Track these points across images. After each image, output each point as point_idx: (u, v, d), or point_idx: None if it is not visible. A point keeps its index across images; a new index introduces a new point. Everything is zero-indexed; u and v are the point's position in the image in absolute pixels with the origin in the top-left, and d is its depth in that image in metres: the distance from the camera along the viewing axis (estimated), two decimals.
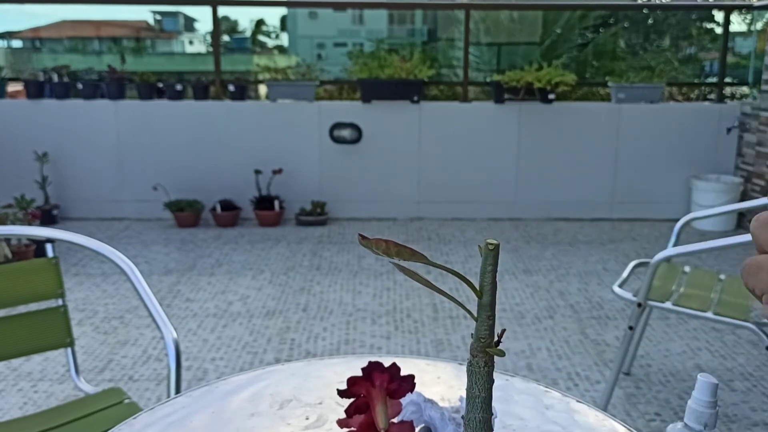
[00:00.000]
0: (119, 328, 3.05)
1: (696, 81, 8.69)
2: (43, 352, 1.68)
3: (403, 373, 0.68)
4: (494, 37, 8.38)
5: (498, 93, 4.92)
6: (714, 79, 6.78)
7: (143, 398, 2.43)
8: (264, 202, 4.81)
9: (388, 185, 5.02)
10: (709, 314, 2.17)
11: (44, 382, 2.55)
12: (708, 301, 2.27)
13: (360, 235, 0.50)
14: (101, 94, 4.96)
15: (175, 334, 1.47)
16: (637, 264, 2.63)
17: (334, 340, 2.95)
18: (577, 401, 0.95)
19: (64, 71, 5.15)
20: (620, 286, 2.37)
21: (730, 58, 7.59)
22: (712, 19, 9.46)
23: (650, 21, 9.11)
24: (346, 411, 0.68)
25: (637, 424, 2.30)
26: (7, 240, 3.64)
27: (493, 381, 0.53)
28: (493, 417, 0.54)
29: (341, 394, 0.67)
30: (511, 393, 0.97)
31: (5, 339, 1.53)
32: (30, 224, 4.03)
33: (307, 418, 0.90)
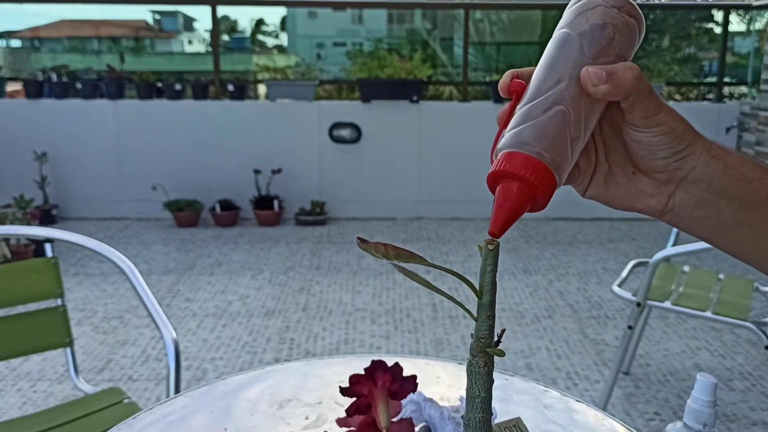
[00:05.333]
0: (118, 327, 3.05)
1: (695, 80, 8.69)
2: (43, 351, 1.68)
3: (403, 373, 0.68)
4: (494, 36, 8.38)
5: (497, 92, 4.92)
6: (713, 79, 6.79)
7: (142, 398, 2.43)
8: (263, 202, 4.81)
9: (388, 185, 5.02)
10: (708, 314, 2.17)
11: (43, 381, 2.55)
12: (707, 301, 2.27)
13: (359, 238, 0.50)
14: (100, 94, 4.96)
15: (174, 334, 1.47)
16: (637, 264, 2.64)
17: (333, 339, 2.95)
18: (577, 401, 0.95)
19: (63, 71, 5.15)
20: (619, 285, 2.37)
21: (729, 58, 7.60)
22: (711, 19, 9.47)
23: (650, 21, 9.11)
24: (347, 410, 0.68)
25: (637, 423, 2.30)
26: (6, 240, 3.63)
27: (492, 381, 0.53)
28: (492, 417, 0.54)
29: (343, 392, 0.67)
30: (510, 392, 0.97)
31: (4, 339, 1.53)
32: (29, 224, 4.03)
33: (306, 418, 0.90)
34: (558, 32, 0.53)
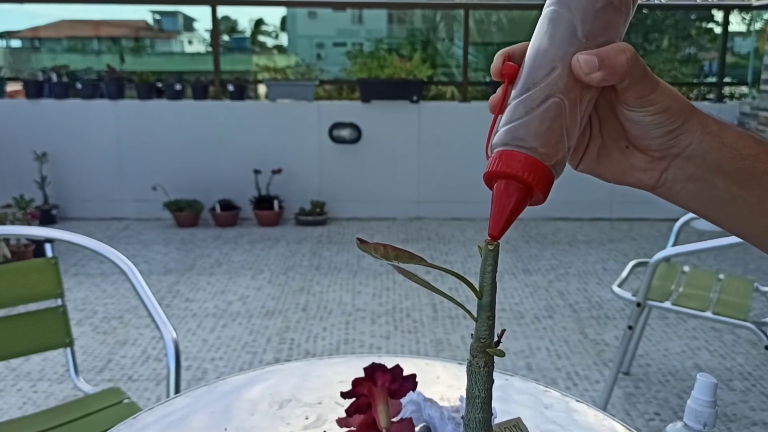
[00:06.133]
0: (118, 328, 3.05)
1: (695, 81, 8.69)
2: (43, 352, 1.68)
3: (403, 373, 0.68)
4: (493, 36, 8.38)
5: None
6: (713, 79, 6.79)
7: (143, 398, 2.43)
8: (263, 202, 4.81)
9: (388, 185, 5.02)
10: (708, 314, 2.17)
11: (43, 382, 2.55)
12: (707, 301, 2.27)
13: (358, 239, 0.50)
14: (100, 94, 4.96)
15: (174, 334, 1.47)
16: (637, 264, 2.64)
17: (333, 339, 2.95)
18: (577, 401, 0.95)
19: (63, 71, 5.14)
20: (619, 285, 2.37)
21: (730, 58, 7.60)
22: (711, 19, 9.47)
23: (650, 21, 9.12)
24: (347, 411, 0.68)
25: (637, 423, 2.30)
26: (6, 240, 3.63)
27: (492, 381, 0.53)
28: (492, 417, 0.54)
29: (345, 395, 0.67)
30: (510, 393, 0.97)
31: (4, 339, 1.53)
32: (29, 224, 4.03)
33: (306, 418, 0.90)
34: (547, 9, 0.50)
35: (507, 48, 0.52)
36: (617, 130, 0.53)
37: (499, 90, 0.51)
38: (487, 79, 6.10)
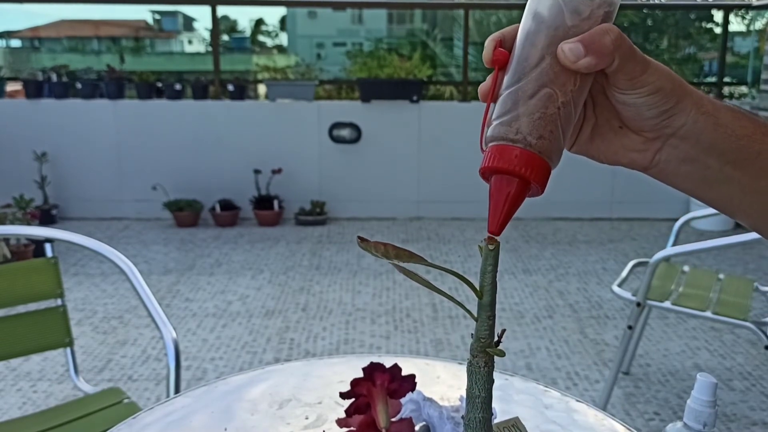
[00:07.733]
0: (118, 327, 3.05)
1: (695, 81, 8.70)
2: (43, 351, 1.68)
3: (403, 373, 0.68)
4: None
5: None
6: (713, 79, 6.79)
7: (142, 398, 2.43)
8: (263, 202, 4.81)
9: (388, 185, 5.02)
10: (708, 314, 2.17)
11: (43, 382, 2.55)
12: (707, 301, 2.27)
13: (359, 237, 0.50)
14: (100, 94, 4.96)
15: (174, 334, 1.47)
16: (636, 263, 2.64)
17: (333, 339, 2.95)
18: (577, 401, 0.95)
19: (63, 71, 5.14)
20: (619, 285, 2.37)
21: (729, 58, 7.60)
22: (711, 19, 9.47)
23: (649, 21, 9.12)
24: (346, 411, 0.68)
25: (636, 423, 2.30)
26: (6, 240, 3.63)
27: (493, 381, 0.53)
28: (492, 417, 0.54)
29: (343, 396, 0.67)
30: (510, 392, 0.97)
31: (4, 339, 1.53)
32: (29, 224, 4.02)
33: (306, 418, 0.90)
34: None
35: (498, 32, 0.51)
36: (610, 110, 0.52)
37: (490, 77, 0.50)
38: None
